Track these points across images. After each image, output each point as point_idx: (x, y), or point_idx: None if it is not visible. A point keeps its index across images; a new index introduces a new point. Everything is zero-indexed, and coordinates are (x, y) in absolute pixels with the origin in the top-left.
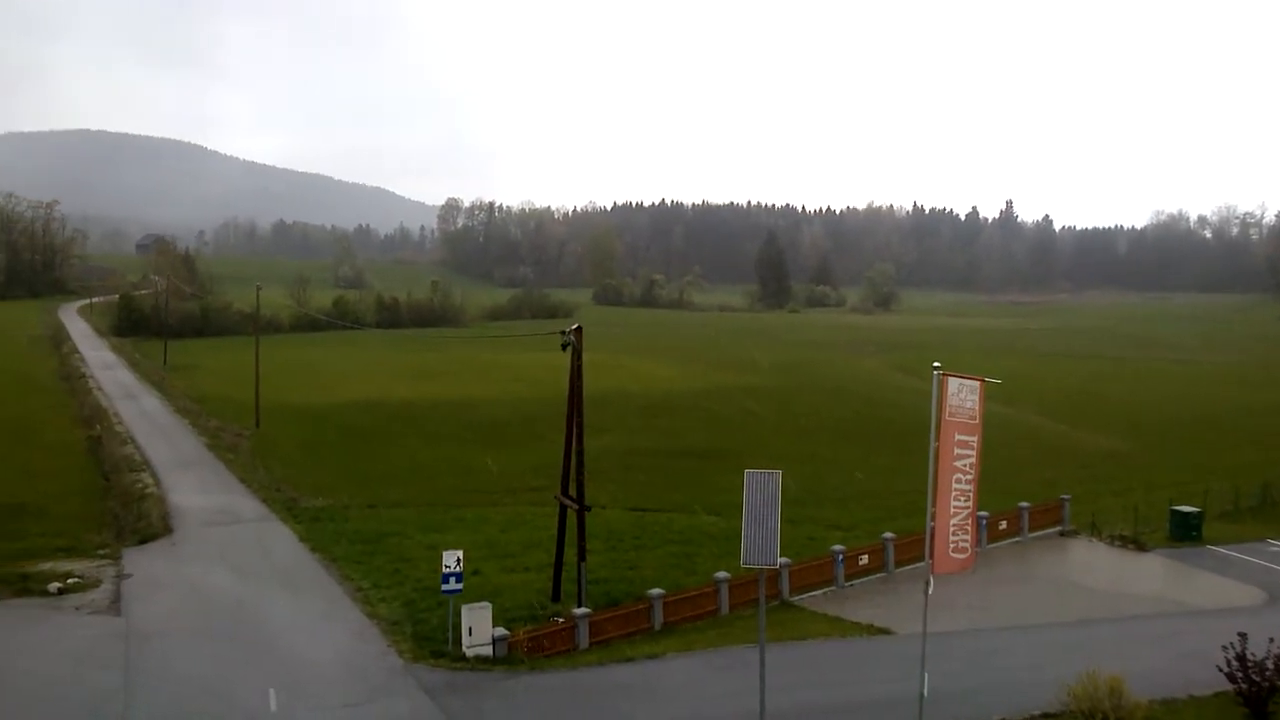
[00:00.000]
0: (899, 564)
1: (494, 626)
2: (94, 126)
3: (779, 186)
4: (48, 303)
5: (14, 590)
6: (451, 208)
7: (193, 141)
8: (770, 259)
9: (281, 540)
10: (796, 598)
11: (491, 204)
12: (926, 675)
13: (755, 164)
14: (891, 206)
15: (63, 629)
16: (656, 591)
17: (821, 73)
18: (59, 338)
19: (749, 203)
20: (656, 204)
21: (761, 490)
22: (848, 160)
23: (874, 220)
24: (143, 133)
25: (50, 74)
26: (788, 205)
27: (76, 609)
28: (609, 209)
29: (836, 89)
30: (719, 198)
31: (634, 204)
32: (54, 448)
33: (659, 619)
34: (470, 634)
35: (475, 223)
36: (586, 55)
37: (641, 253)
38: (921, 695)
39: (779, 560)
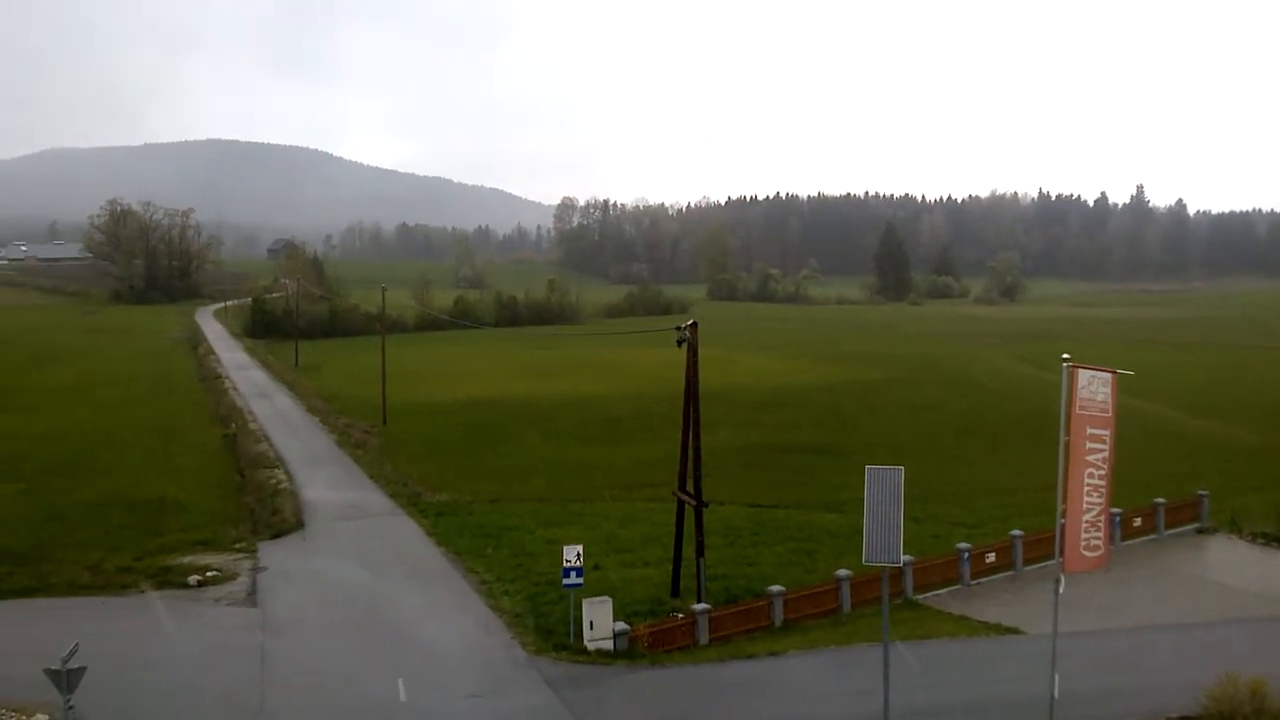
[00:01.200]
0: (1028, 562)
1: (614, 621)
2: (226, 136)
3: (897, 176)
4: (184, 306)
5: (156, 583)
6: (567, 207)
7: (319, 148)
8: (889, 250)
9: (408, 534)
10: (921, 596)
11: (606, 202)
12: (1057, 676)
13: (873, 154)
14: (1016, 193)
15: (202, 620)
16: (777, 588)
17: (942, 57)
18: (196, 340)
19: (866, 193)
20: (771, 197)
21: (883, 486)
22: (969, 147)
23: (997, 208)
24: (271, 141)
25: (184, 87)
26: (906, 195)
27: (215, 601)
28: (723, 204)
29: (958, 74)
30: (835, 189)
31: (748, 198)
32: (193, 445)
33: (779, 616)
34: (591, 628)
35: (590, 221)
36: (698, 50)
37: (756, 247)
38: (1052, 697)
39: (902, 558)
